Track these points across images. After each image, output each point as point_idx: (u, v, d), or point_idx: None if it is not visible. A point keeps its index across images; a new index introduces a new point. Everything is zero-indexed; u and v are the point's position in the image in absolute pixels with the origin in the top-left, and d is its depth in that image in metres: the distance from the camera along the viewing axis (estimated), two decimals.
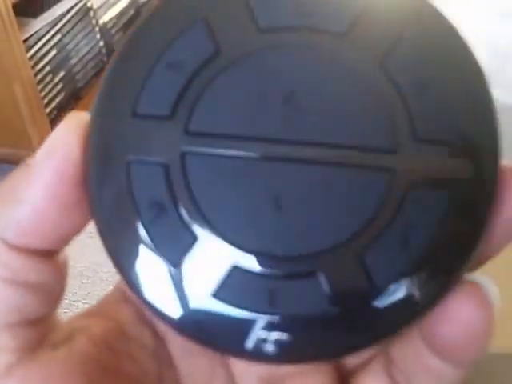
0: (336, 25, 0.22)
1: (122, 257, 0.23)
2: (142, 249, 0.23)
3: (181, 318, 0.23)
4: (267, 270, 0.22)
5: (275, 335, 0.22)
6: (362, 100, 0.22)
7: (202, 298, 0.22)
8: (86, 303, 1.68)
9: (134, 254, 0.23)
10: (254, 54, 0.22)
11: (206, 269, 0.22)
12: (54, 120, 2.07)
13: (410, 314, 0.22)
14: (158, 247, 0.22)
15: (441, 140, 0.22)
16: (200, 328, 0.23)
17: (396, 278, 0.21)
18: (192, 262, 0.22)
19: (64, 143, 0.23)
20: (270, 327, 0.22)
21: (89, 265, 1.75)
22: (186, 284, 0.22)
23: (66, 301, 1.70)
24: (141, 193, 0.23)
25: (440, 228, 0.21)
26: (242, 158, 0.22)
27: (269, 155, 0.22)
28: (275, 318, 0.22)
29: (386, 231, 0.21)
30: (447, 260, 0.22)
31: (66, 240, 0.24)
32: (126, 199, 0.23)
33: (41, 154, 0.23)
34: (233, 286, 0.22)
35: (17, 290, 0.23)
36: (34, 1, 2.02)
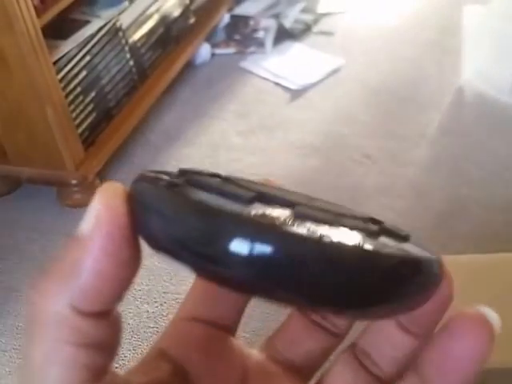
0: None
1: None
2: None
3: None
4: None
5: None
6: None
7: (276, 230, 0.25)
8: None
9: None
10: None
11: (272, 211, 0.26)
12: (86, 140, 2.09)
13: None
14: (228, 198, 0.26)
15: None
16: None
17: None
18: (259, 208, 0.26)
19: (108, 209, 0.26)
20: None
21: None
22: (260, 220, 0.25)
23: None
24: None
25: None
26: None
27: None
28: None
29: None
30: None
31: (122, 297, 0.27)
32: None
33: (89, 224, 0.26)
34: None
35: (87, 352, 0.26)
36: (63, 23, 2.04)
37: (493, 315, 0.27)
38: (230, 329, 0.36)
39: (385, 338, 0.32)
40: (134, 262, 0.26)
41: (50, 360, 0.25)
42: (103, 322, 0.26)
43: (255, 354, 0.36)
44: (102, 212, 0.26)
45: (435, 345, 0.28)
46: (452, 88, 2.45)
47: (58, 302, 0.25)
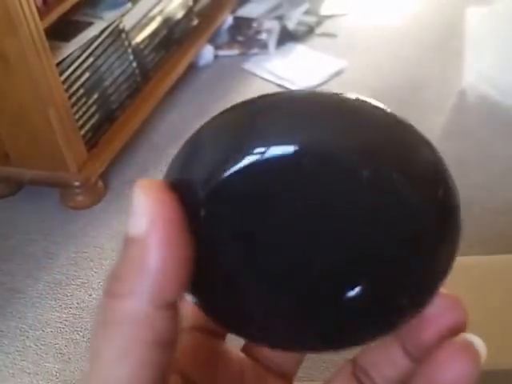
0: None
1: None
2: None
3: None
4: None
5: None
6: None
7: None
8: None
9: None
10: None
11: None
12: (89, 142, 2.09)
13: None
14: None
15: None
16: None
17: None
18: None
19: (159, 204, 0.27)
20: None
21: None
22: None
23: None
24: None
25: None
26: None
27: None
28: None
29: None
30: None
31: (185, 288, 0.28)
32: None
33: (143, 222, 0.26)
34: None
35: (158, 349, 0.27)
36: (66, 24, 2.04)
37: (478, 342, 0.28)
38: (223, 333, 0.37)
39: (387, 358, 0.32)
40: (191, 250, 0.27)
41: (123, 359, 0.26)
42: (172, 317, 0.27)
43: (243, 355, 0.37)
44: (153, 208, 0.26)
45: (426, 372, 0.29)
46: (455, 90, 2.45)
47: (133, 301, 0.26)
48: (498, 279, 1.31)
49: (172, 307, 0.27)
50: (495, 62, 2.39)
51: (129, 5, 2.29)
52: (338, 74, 2.64)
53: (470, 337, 0.28)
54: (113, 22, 2.19)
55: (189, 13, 2.70)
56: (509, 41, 2.36)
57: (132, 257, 0.27)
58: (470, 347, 0.28)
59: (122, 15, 2.25)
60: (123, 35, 2.25)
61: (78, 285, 1.83)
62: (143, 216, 0.26)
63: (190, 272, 0.27)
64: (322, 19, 3.02)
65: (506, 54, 2.36)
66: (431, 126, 2.31)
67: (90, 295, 1.79)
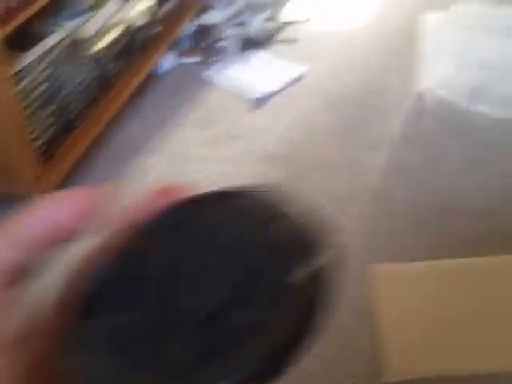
0: None
1: None
2: None
3: None
4: None
5: None
6: None
7: None
8: None
9: None
10: None
11: None
12: (45, 153, 2.08)
13: None
14: None
15: None
16: None
17: None
18: None
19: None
20: None
21: None
22: None
23: None
24: None
25: None
26: None
27: None
28: None
29: None
30: None
31: None
32: None
33: None
34: None
35: None
36: (25, 34, 2.02)
37: None
38: None
39: None
40: None
41: None
42: None
43: None
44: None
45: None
46: (413, 95, 2.46)
47: None
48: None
49: None
50: (452, 66, 2.41)
51: (90, 13, 2.28)
52: (298, 79, 2.66)
53: None
54: (73, 31, 2.18)
55: (152, 20, 2.68)
56: (465, 45, 2.38)
57: None
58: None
59: (83, 24, 2.24)
60: (83, 44, 2.23)
61: None
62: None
63: None
64: (282, 26, 3.03)
65: (463, 58, 2.38)
66: (389, 129, 2.33)
67: None
